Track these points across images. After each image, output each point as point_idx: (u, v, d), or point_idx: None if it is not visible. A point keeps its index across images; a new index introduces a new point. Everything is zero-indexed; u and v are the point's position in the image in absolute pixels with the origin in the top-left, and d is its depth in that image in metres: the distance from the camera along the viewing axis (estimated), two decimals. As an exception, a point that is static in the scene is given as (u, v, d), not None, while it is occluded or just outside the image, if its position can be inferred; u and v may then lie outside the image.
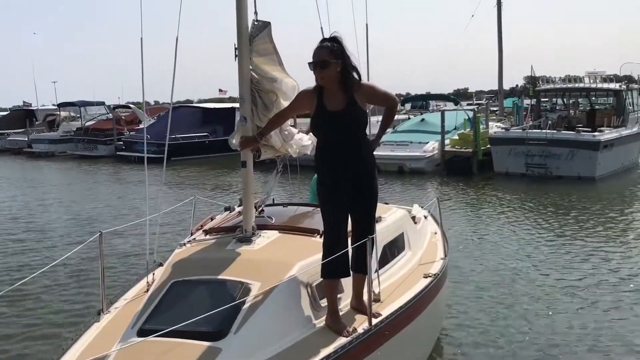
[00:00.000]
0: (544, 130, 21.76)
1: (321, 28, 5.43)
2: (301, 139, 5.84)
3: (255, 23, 5.25)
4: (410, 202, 16.36)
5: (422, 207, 8.36)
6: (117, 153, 31.58)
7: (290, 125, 5.78)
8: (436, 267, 6.37)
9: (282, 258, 4.95)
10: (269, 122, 5.15)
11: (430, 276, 5.97)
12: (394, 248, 6.24)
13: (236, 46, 5.17)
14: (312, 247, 5.00)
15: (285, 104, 5.28)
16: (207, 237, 5.64)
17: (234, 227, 5.59)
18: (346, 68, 4.79)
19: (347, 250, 4.79)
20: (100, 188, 23.11)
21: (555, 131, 21.82)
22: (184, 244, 5.49)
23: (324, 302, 4.82)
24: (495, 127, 24.93)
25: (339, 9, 5.43)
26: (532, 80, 26.69)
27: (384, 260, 5.84)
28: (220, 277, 4.62)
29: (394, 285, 5.69)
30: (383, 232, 5.86)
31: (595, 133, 21.45)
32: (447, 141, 24.11)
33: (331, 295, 4.83)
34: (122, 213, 16.96)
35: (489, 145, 23.08)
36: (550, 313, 8.32)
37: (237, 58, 5.17)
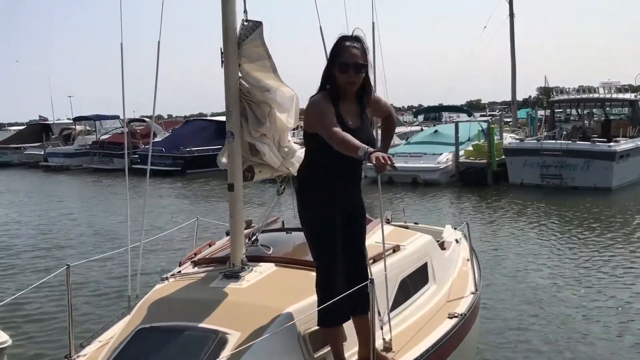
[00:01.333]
0: (559, 141, 20.95)
1: (320, 28, 4.45)
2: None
3: (245, 24, 4.32)
4: (425, 216, 16.29)
5: (455, 229, 7.35)
6: (133, 166, 30.67)
7: (295, 141, 4.85)
8: (464, 304, 5.36)
9: (272, 300, 4.05)
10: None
11: (455, 316, 4.99)
12: (415, 282, 5.29)
13: (222, 50, 4.26)
14: (313, 284, 4.06)
15: (282, 117, 4.37)
16: (195, 269, 4.73)
17: (227, 258, 4.66)
18: (367, 76, 4.02)
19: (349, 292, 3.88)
20: (120, 202, 22.22)
21: (570, 142, 20.95)
22: (166, 279, 4.58)
23: (320, 353, 3.91)
24: (509, 138, 23.95)
25: (342, 7, 4.44)
26: (545, 91, 25.72)
27: (400, 298, 4.92)
28: (193, 324, 3.74)
29: (413, 328, 4.74)
30: (401, 264, 4.97)
31: (611, 143, 20.57)
32: (461, 152, 23.24)
33: (336, 346, 3.90)
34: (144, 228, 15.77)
35: (503, 156, 22.24)
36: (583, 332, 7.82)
37: (223, 64, 4.25)
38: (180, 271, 4.73)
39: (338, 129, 3.72)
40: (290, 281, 4.35)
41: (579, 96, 24.16)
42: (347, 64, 3.85)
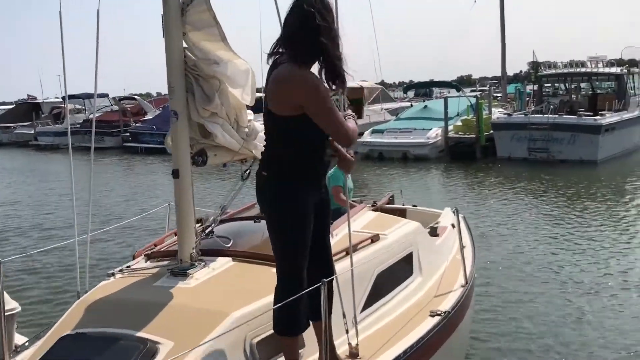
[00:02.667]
0: (546, 115, 20.54)
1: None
2: None
3: (189, -15, 3.57)
4: (415, 192, 15.71)
5: (454, 212, 6.62)
6: (124, 144, 29.84)
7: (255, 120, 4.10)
8: (450, 300, 4.61)
9: (218, 303, 3.38)
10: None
11: (438, 314, 4.26)
12: (396, 275, 4.59)
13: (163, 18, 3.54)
14: (272, 283, 3.38)
15: (235, 93, 3.66)
16: (147, 264, 4.06)
17: None
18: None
19: (310, 295, 3.23)
20: (113, 181, 21.44)
21: (557, 116, 20.46)
22: (112, 275, 3.90)
23: None
24: (497, 113, 23.28)
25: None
26: (534, 65, 24.93)
27: (377, 294, 4.24)
28: (123, 331, 3.10)
29: (389, 329, 4.06)
30: (378, 255, 4.29)
31: (597, 117, 20.12)
32: (450, 127, 22.59)
33: (292, 354, 3.25)
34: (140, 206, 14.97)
35: (491, 131, 21.61)
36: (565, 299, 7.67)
37: (164, 33, 3.53)
38: (129, 266, 4.04)
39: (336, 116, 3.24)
40: (246, 279, 3.69)
41: (566, 70, 23.52)
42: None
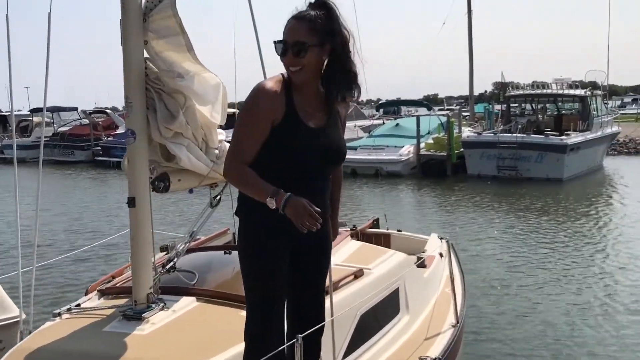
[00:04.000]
0: (514, 134, 20.41)
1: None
2: None
3: (153, -12, 2.96)
4: (388, 207, 15.40)
5: (441, 239, 5.97)
6: (96, 158, 28.47)
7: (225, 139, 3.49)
8: (440, 343, 4.03)
9: (172, 356, 2.77)
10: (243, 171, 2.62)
11: None
12: (381, 315, 3.98)
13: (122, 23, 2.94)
14: (242, 328, 2.77)
15: (203, 110, 3.07)
16: (99, 302, 3.39)
17: None
18: (339, 57, 2.60)
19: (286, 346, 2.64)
20: (84, 194, 20.46)
21: (525, 135, 20.35)
22: (59, 315, 3.24)
23: None
24: (467, 132, 23.03)
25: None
26: (502, 86, 24.77)
27: (359, 339, 3.63)
28: None
29: None
30: (362, 294, 3.68)
31: (563, 137, 20.10)
32: (422, 145, 22.30)
33: None
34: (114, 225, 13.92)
35: (462, 149, 21.41)
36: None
37: (123, 41, 2.94)
38: (79, 304, 3.38)
39: (241, 147, 2.57)
40: (211, 324, 3.06)
41: (532, 92, 23.51)
42: (278, 43, 2.58)
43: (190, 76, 2.97)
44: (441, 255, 5.25)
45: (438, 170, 21.42)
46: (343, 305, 3.40)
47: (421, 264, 4.81)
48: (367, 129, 26.47)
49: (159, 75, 2.94)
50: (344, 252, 4.33)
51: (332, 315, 3.01)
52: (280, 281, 2.66)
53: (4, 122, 37.77)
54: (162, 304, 3.10)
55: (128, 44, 2.91)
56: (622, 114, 29.38)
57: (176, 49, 2.96)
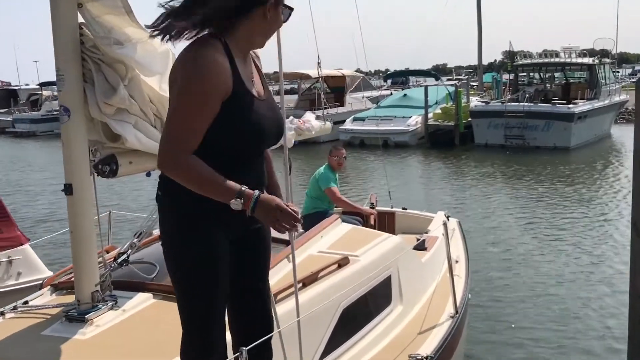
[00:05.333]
0: (522, 103, 19.76)
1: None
2: None
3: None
4: (396, 177, 14.92)
5: (447, 217, 5.39)
6: None
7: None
8: (436, 337, 3.48)
9: None
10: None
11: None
12: (369, 308, 3.45)
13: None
14: None
15: (151, 81, 2.51)
16: (51, 298, 2.90)
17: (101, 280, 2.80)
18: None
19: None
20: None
21: (532, 104, 19.66)
22: (2, 314, 2.75)
23: None
24: (475, 101, 22.30)
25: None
26: (510, 55, 23.87)
27: (342, 335, 3.12)
28: None
29: None
30: (345, 286, 3.15)
31: (570, 105, 19.42)
32: (429, 115, 21.57)
33: None
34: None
35: (469, 119, 20.72)
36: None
37: (52, 3, 2.37)
38: (27, 302, 2.87)
39: (196, 141, 1.97)
40: (165, 324, 2.52)
41: (540, 60, 22.65)
42: (288, 9, 2.11)
43: (133, 43, 2.40)
44: (445, 234, 4.72)
45: (446, 140, 20.81)
46: (323, 299, 2.90)
47: (420, 246, 4.27)
48: (375, 100, 25.73)
49: (95, 42, 2.38)
50: (330, 238, 3.86)
51: (298, 326, 2.46)
52: (225, 282, 2.12)
53: (14, 96, 37.19)
54: (112, 303, 2.60)
55: (58, 7, 2.33)
56: (633, 82, 28.27)
57: (114, 11, 2.39)
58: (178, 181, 1.97)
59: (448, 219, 5.52)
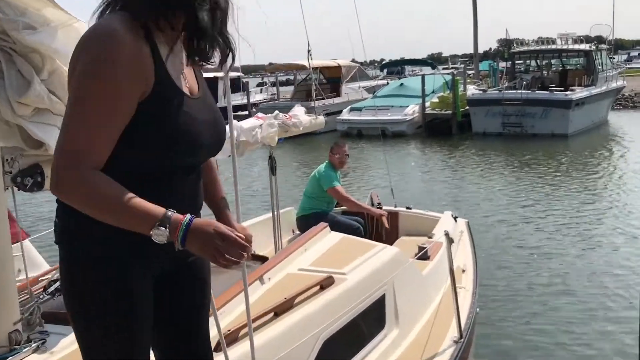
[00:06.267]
0: (519, 91, 19.28)
1: None
2: None
3: None
4: (394, 166, 14.46)
5: (455, 218, 4.95)
6: None
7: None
8: None
9: None
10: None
11: None
12: (357, 334, 2.89)
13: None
14: None
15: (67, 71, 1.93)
16: None
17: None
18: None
19: None
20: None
21: (529, 91, 19.20)
22: None
23: None
24: (472, 89, 21.73)
25: None
26: (506, 43, 23.25)
27: None
28: None
29: None
30: (327, 311, 2.62)
31: (567, 92, 18.88)
32: (427, 104, 20.98)
33: None
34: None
35: (467, 107, 20.13)
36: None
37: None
38: None
39: (104, 153, 1.41)
40: None
41: (537, 47, 22.10)
42: None
43: (51, 27, 1.82)
44: (451, 240, 4.12)
45: (443, 129, 20.25)
46: (299, 331, 2.36)
47: (423, 256, 3.71)
48: (372, 90, 25.16)
49: (5, 27, 1.82)
50: (316, 251, 3.26)
51: None
52: (146, 327, 1.56)
53: None
54: (39, 342, 2.05)
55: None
56: (629, 68, 27.75)
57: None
58: (78, 208, 1.39)
59: (456, 220, 4.99)
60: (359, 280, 2.92)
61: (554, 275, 6.67)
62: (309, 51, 4.73)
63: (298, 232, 5.30)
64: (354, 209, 5.28)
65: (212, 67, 1.63)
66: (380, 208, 5.45)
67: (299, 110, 4.27)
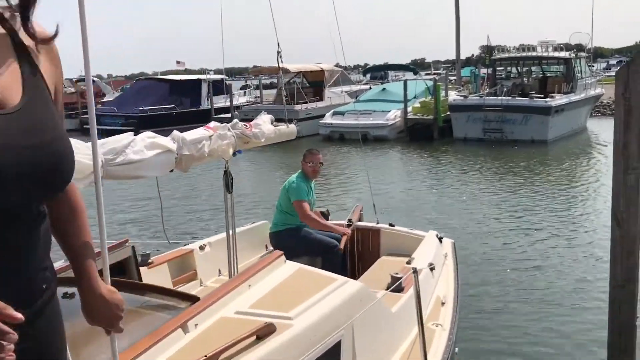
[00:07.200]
0: (500, 97, 19.20)
1: None
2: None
3: None
4: (376, 171, 14.23)
5: (440, 238, 4.68)
6: (85, 126, 26.59)
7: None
8: None
9: None
10: None
11: None
12: None
13: None
14: None
15: None
16: None
17: None
18: None
19: None
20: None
21: (510, 98, 19.17)
22: None
23: None
24: (454, 95, 21.60)
25: None
26: (488, 49, 23.12)
27: None
28: None
29: None
30: None
31: (547, 99, 18.95)
32: (409, 109, 20.95)
33: None
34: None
35: (448, 113, 20.10)
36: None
37: None
38: None
39: None
40: None
41: (518, 54, 22.18)
42: None
43: None
44: (432, 268, 3.71)
45: (425, 134, 20.21)
46: None
47: (397, 287, 3.28)
48: (354, 94, 24.92)
49: None
50: (262, 288, 2.73)
51: None
52: None
53: None
54: None
55: None
56: (607, 76, 27.74)
57: None
58: None
59: (441, 241, 4.65)
60: (308, 326, 2.41)
61: (537, 290, 6.39)
62: (278, 52, 4.36)
63: (271, 248, 4.93)
64: (317, 228, 4.92)
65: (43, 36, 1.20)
66: (351, 224, 5.08)
67: (263, 119, 3.80)
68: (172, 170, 2.90)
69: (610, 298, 3.86)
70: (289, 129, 4.13)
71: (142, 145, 2.50)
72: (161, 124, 23.81)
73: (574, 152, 16.83)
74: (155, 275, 3.75)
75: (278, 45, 4.32)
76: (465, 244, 7.70)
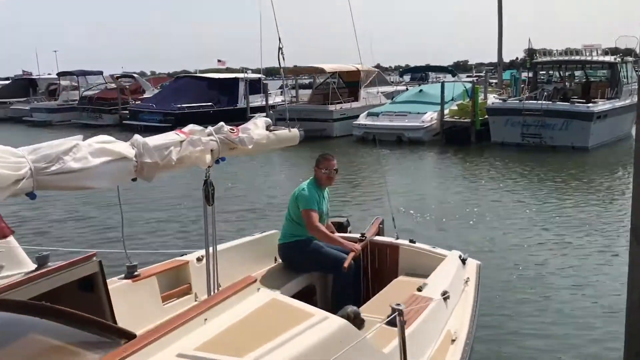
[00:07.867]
0: (540, 101, 18.44)
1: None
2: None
3: None
4: (410, 174, 13.77)
5: (464, 260, 4.25)
6: (124, 122, 26.41)
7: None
8: None
9: None
10: None
11: None
12: None
13: None
14: None
15: None
16: None
17: None
18: None
19: None
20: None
21: (550, 102, 18.38)
22: None
23: None
24: (493, 98, 20.93)
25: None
26: (530, 52, 22.25)
27: None
28: None
29: None
30: None
31: (589, 104, 18.14)
32: (446, 111, 20.42)
33: None
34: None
35: (486, 116, 19.50)
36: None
37: None
38: None
39: None
40: None
41: (560, 58, 21.28)
42: None
43: None
44: (446, 297, 3.19)
45: (461, 137, 19.67)
46: None
47: (400, 318, 2.65)
48: (390, 95, 24.44)
49: None
50: (220, 323, 2.29)
51: None
52: None
53: (34, 86, 36.70)
54: None
55: None
56: (653, 81, 26.37)
57: None
58: None
59: (464, 263, 4.18)
60: None
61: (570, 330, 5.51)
62: (280, 49, 4.01)
63: (280, 261, 4.58)
64: (324, 241, 4.52)
65: None
66: (363, 239, 4.69)
67: (254, 124, 3.42)
68: (135, 179, 2.60)
69: (626, 322, 3.39)
70: (291, 134, 3.74)
71: (86, 152, 2.21)
72: (199, 121, 23.75)
73: (616, 161, 16.01)
74: (139, 290, 3.48)
75: (279, 41, 3.98)
76: (494, 264, 7.08)
